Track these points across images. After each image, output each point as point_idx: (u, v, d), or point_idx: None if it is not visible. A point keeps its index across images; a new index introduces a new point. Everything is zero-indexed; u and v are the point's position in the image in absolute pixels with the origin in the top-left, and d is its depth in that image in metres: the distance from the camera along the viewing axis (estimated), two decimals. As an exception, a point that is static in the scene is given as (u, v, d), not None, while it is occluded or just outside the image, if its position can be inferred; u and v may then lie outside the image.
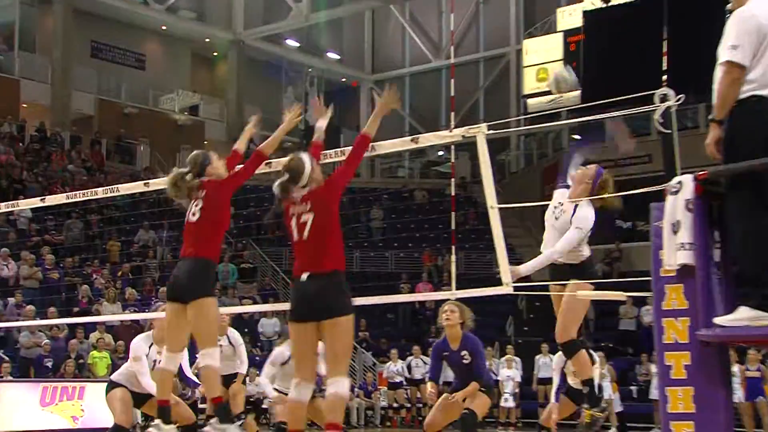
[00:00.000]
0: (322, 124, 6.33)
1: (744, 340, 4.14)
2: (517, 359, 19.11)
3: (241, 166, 6.50)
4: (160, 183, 7.65)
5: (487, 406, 8.50)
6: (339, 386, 5.38)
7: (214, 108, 33.54)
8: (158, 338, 7.69)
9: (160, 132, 30.41)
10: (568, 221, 6.78)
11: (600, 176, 6.85)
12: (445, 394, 8.44)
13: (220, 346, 8.06)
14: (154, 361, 7.62)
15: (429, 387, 8.38)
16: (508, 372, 18.62)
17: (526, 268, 6.56)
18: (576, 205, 6.73)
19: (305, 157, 5.76)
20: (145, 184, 7.69)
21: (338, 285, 5.50)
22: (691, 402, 3.88)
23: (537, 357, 18.70)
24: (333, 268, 5.49)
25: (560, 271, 6.78)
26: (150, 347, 7.70)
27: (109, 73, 30.78)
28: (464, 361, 8.24)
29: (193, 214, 6.29)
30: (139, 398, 7.88)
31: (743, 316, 3.88)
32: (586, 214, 6.81)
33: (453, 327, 8.20)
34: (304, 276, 5.48)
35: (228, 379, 9.35)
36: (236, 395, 9.55)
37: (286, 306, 5.32)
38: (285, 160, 5.90)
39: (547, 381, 18.39)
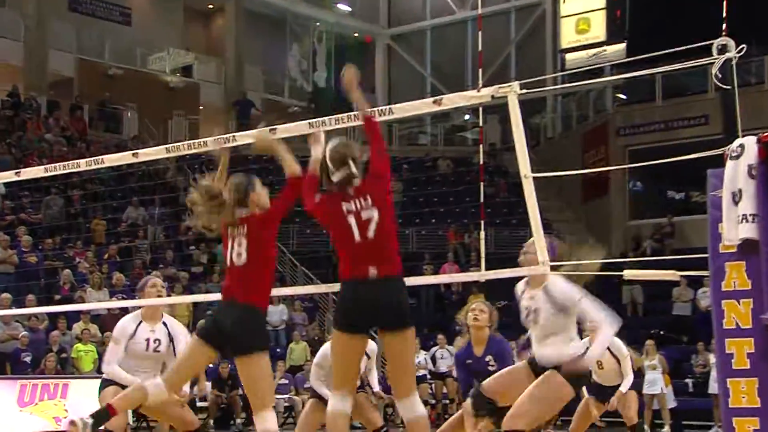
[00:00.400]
0: (317, 152, 6.33)
1: (816, 324, 4.09)
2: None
3: (280, 195, 6.26)
4: (150, 153, 7.66)
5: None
6: (419, 406, 5.56)
7: (210, 68, 33.53)
8: (148, 315, 7.76)
9: (150, 96, 30.43)
10: (550, 309, 6.39)
11: (554, 254, 6.49)
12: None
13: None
14: (146, 339, 7.68)
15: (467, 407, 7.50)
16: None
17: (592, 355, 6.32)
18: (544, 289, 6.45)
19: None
20: (133, 154, 7.70)
21: (404, 290, 5.74)
22: (755, 395, 3.87)
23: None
24: (399, 272, 5.73)
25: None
26: (138, 326, 7.74)
27: (91, 30, 30.77)
28: (490, 367, 8.11)
29: (239, 255, 6.18)
30: None
31: (815, 296, 3.85)
32: (561, 284, 6.50)
33: (481, 329, 8.18)
34: (373, 272, 5.58)
35: None
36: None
37: (293, 291, 5.31)
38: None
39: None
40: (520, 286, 6.66)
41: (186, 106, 31.19)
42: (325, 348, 9.46)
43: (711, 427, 16.95)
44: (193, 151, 7.23)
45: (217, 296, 6.56)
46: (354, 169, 5.82)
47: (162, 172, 25.00)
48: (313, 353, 19.61)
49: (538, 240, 6.00)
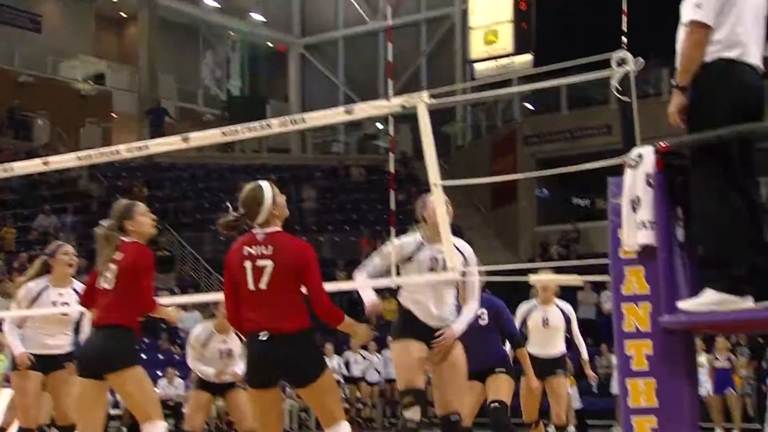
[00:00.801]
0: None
1: (710, 326, 4.23)
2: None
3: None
4: (61, 161, 7.51)
5: (511, 390, 8.16)
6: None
7: (122, 76, 33.05)
8: (57, 279, 7.83)
9: (61, 104, 29.85)
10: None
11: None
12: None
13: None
14: (53, 302, 7.79)
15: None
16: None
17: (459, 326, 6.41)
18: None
19: (265, 186, 5.80)
20: (44, 162, 7.55)
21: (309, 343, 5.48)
22: (653, 395, 3.96)
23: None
24: (300, 327, 5.38)
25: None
26: (44, 289, 7.85)
27: (0, 37, 30.10)
28: (481, 322, 7.83)
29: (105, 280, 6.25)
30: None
31: (709, 299, 3.95)
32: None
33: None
34: (263, 335, 5.33)
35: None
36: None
37: (207, 297, 5.26)
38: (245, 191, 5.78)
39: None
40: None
41: (98, 114, 30.66)
42: (196, 330, 9.53)
43: (611, 425, 17.33)
44: (105, 159, 7.11)
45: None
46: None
47: (74, 181, 24.55)
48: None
49: (448, 247, 6.04)
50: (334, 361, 19.73)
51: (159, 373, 18.63)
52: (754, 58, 4.32)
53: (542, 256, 24.37)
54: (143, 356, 19.54)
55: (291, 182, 27.83)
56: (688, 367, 4.07)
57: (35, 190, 23.88)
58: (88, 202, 24.62)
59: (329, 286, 5.87)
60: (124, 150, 6.80)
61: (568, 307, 9.58)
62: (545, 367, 9.24)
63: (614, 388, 17.40)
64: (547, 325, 9.33)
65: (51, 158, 7.53)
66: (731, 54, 4.26)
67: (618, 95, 4.84)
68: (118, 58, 33.66)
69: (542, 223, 27.19)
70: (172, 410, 17.82)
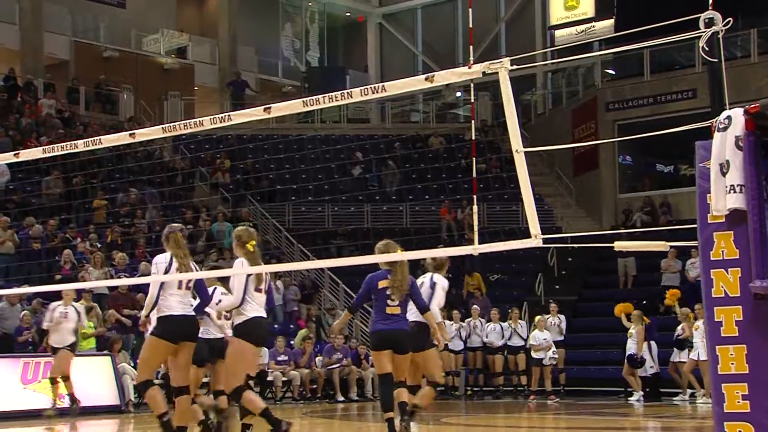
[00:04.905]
0: None
1: (802, 291, 4.11)
2: (560, 317, 19.07)
3: None
4: (146, 133, 7.63)
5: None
6: None
7: (204, 49, 33.39)
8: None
9: (145, 77, 30.33)
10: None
11: None
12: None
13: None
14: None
15: None
16: (542, 335, 18.52)
17: None
18: None
19: None
20: (130, 134, 7.67)
21: None
22: (744, 362, 3.88)
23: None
24: None
25: None
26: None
27: (85, 12, 30.62)
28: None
29: None
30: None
31: (801, 264, 3.86)
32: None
33: None
34: None
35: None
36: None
37: (289, 267, 5.29)
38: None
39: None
40: None
41: (181, 87, 31.06)
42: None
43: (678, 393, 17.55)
44: (189, 131, 7.20)
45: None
46: None
47: (158, 154, 24.98)
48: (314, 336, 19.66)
49: (531, 214, 5.98)
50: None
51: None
52: None
53: (624, 224, 24.04)
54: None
55: (371, 151, 27.89)
56: (779, 333, 3.98)
57: (122, 162, 24.34)
58: (172, 174, 25.01)
59: (411, 255, 5.87)
60: (207, 121, 6.88)
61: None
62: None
63: (676, 356, 17.35)
64: None
65: (138, 131, 7.66)
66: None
67: (705, 57, 4.72)
68: (199, 32, 34.00)
69: (625, 190, 26.80)
70: (257, 377, 18.08)
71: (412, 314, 9.04)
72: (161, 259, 8.24)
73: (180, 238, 8.32)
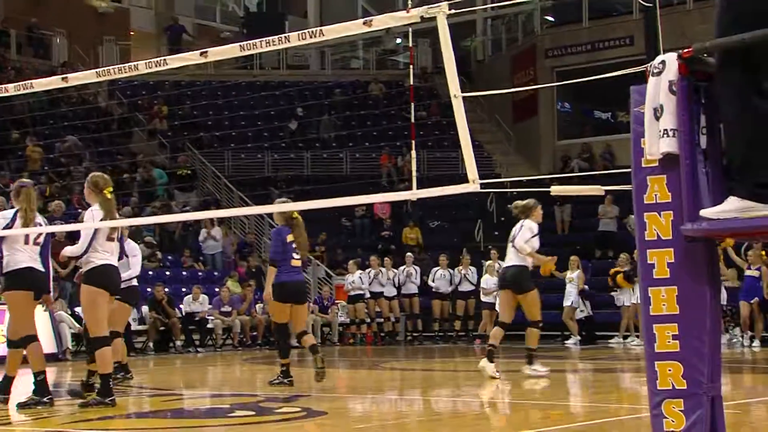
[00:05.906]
0: None
1: (732, 233, 4.20)
2: (500, 263, 19.19)
3: None
4: (80, 77, 7.48)
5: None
6: None
7: (140, -7, 32.74)
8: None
9: (79, 22, 29.66)
10: None
11: None
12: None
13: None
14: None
15: None
16: (492, 279, 18.45)
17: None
18: None
19: None
20: (63, 79, 7.52)
21: None
22: (674, 303, 3.96)
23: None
24: None
25: None
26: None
27: (16, -45, 29.80)
28: None
29: None
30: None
31: (731, 207, 3.91)
32: None
33: None
34: None
35: None
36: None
37: (228, 213, 5.26)
38: None
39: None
40: None
41: (116, 32, 30.46)
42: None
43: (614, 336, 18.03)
44: (125, 75, 7.08)
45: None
46: None
47: (93, 99, 24.56)
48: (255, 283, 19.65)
49: (468, 159, 6.00)
50: (355, 276, 19.92)
51: (184, 289, 18.86)
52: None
53: (563, 170, 24.29)
54: (167, 273, 19.78)
55: (310, 98, 27.71)
56: (710, 275, 4.05)
57: (56, 108, 23.87)
58: (105, 119, 24.64)
59: (349, 200, 5.87)
60: (143, 66, 6.76)
61: None
62: None
63: (620, 300, 17.73)
64: None
65: (70, 75, 7.50)
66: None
67: (642, 3, 4.75)
68: (134, -25, 33.31)
69: (563, 137, 27.03)
70: (197, 325, 18.09)
71: (510, 259, 10.48)
72: (7, 215, 8.34)
73: (32, 193, 8.38)
